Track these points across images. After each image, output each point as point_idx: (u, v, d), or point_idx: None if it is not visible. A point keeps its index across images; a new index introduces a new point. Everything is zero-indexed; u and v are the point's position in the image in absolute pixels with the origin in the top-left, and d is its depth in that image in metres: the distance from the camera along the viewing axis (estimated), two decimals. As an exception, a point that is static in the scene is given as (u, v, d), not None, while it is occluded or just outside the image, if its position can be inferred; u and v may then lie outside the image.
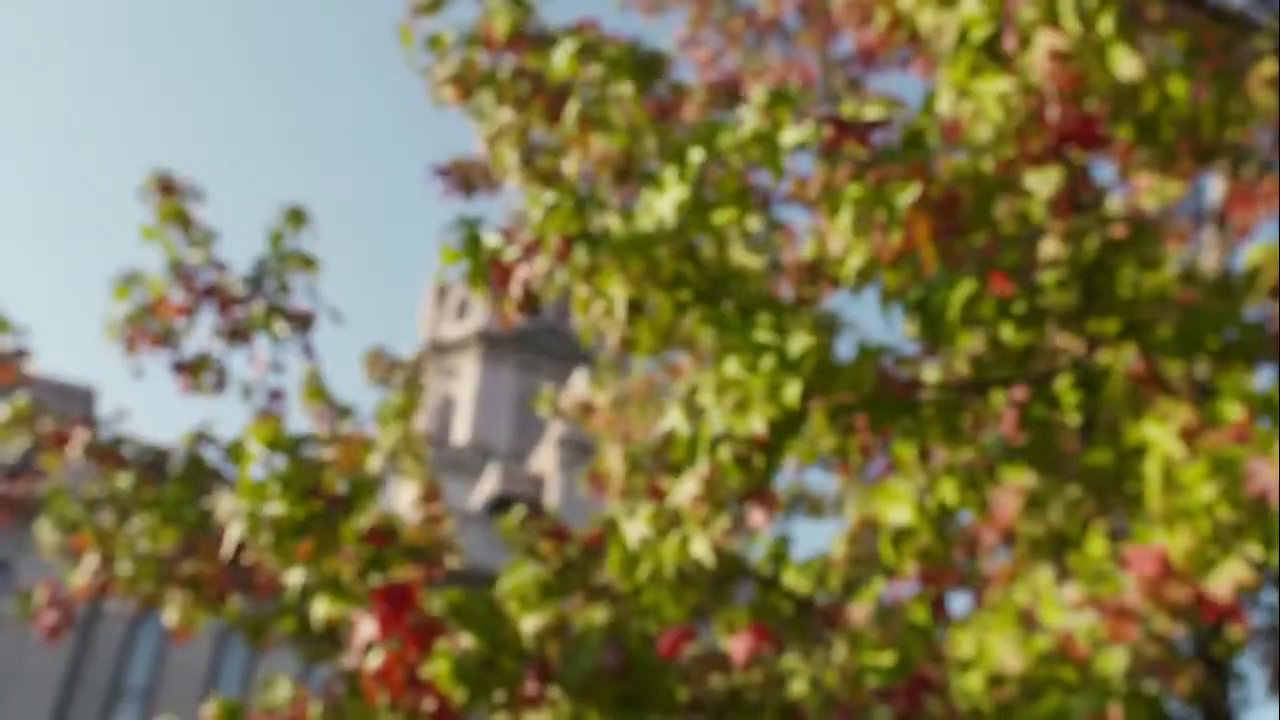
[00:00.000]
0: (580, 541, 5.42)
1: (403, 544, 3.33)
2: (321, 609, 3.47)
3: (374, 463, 6.25)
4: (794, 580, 5.18)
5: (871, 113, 2.75)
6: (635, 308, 3.04)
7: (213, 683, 24.51)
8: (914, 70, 7.12)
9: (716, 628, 5.91)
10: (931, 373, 3.36)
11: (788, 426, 2.79)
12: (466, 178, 6.75)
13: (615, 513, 6.06)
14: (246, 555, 4.93)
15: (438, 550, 4.50)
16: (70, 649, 23.32)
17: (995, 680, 3.50)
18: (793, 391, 2.80)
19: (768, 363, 2.82)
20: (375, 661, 3.22)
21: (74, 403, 23.26)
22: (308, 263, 5.47)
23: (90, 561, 4.56)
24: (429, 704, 3.21)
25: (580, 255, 3.05)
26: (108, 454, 4.97)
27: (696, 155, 2.98)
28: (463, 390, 38.83)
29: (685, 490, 2.87)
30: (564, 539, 5.30)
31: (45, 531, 5.00)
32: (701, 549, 2.89)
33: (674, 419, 2.86)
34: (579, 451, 29.62)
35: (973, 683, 3.52)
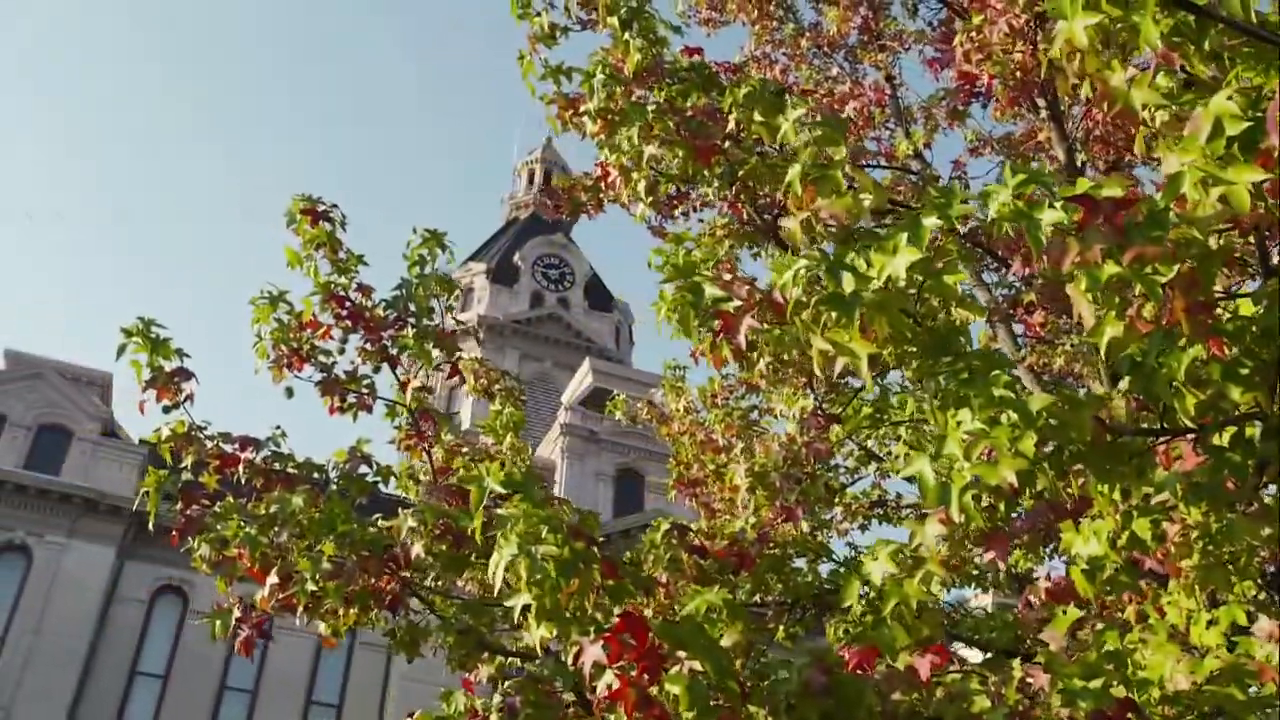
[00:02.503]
0: (716, 555, 5.67)
1: (633, 574, 3.58)
2: (540, 633, 3.70)
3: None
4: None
5: (1112, 190, 2.99)
6: (873, 361, 3.29)
7: (228, 666, 24.68)
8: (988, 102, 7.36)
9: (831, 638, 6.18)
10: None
11: (1029, 476, 3.06)
12: (572, 197, 6.97)
13: (736, 525, 6.27)
14: (416, 570, 5.15)
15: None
16: (89, 633, 23.43)
17: (1164, 699, 3.78)
18: (1029, 443, 3.06)
19: (1010, 416, 3.08)
20: (606, 685, 3.46)
21: (91, 389, 23.32)
22: (448, 285, 5.68)
23: (272, 578, 4.78)
24: (660, 724, 3.45)
25: (814, 311, 3.30)
26: (276, 474, 5.19)
27: (931, 222, 3.23)
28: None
29: (930, 532, 3.14)
30: (705, 554, 5.56)
31: (202, 547, 5.21)
32: (939, 588, 3.16)
33: (921, 466, 3.11)
34: (585, 441, 29.87)
35: (1142, 700, 3.80)
